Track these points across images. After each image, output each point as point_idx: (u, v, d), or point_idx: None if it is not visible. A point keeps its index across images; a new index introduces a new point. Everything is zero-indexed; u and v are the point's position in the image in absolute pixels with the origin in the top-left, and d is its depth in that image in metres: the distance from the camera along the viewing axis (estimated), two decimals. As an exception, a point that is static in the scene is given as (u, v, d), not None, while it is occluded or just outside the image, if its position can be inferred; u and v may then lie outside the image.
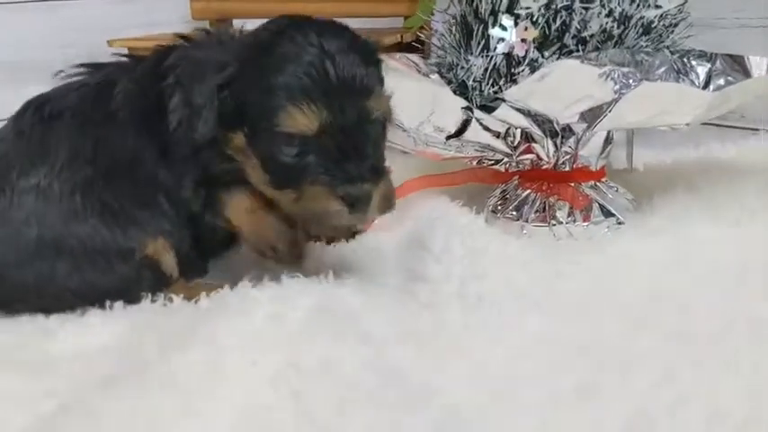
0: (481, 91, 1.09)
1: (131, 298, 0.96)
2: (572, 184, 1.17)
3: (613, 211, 1.15)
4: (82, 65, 1.07)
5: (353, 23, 1.76)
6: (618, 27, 1.06)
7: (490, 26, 1.08)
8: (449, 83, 1.13)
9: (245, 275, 0.95)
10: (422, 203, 1.15)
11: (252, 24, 2.11)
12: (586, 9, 1.07)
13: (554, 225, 1.14)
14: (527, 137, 1.12)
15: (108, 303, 0.94)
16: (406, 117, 1.12)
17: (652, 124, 1.09)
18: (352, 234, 1.15)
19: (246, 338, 0.74)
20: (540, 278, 0.95)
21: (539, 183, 1.18)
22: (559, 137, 1.11)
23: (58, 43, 2.08)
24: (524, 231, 1.15)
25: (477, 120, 1.11)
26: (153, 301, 0.96)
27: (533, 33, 1.05)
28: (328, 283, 0.92)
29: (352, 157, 0.89)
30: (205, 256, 1.07)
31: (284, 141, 0.90)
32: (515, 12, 1.10)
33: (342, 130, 0.89)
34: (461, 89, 1.12)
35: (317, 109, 0.87)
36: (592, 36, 1.05)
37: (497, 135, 1.13)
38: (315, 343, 0.75)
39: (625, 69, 0.99)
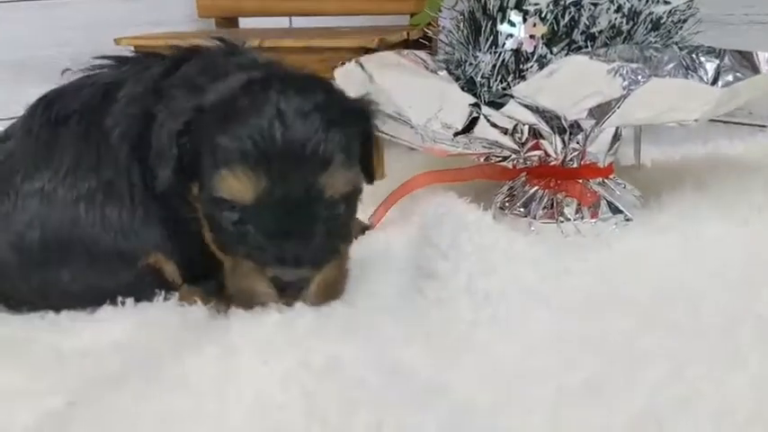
0: (489, 87, 1.08)
1: (139, 299, 0.95)
2: (580, 181, 1.16)
3: (621, 208, 1.15)
4: (106, 57, 1.05)
5: (359, 21, 1.76)
6: (627, 23, 1.05)
7: (498, 22, 1.08)
8: (457, 79, 1.12)
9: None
10: (429, 200, 1.15)
11: (257, 22, 2.13)
12: (595, 5, 1.06)
13: (562, 222, 1.14)
14: (535, 133, 1.11)
15: (120, 300, 0.94)
16: (414, 114, 1.12)
17: (661, 120, 1.09)
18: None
19: (258, 338, 0.74)
20: (547, 275, 0.95)
21: (546, 179, 1.18)
22: (567, 133, 1.11)
23: (59, 42, 2.08)
24: (532, 228, 1.15)
25: (485, 116, 1.10)
26: (166, 299, 0.96)
27: (542, 29, 1.04)
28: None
29: (293, 237, 0.80)
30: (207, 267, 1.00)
31: (225, 206, 0.82)
32: (524, 8, 1.09)
33: (283, 204, 0.80)
34: (469, 86, 1.12)
35: (254, 176, 0.79)
36: (601, 32, 1.05)
37: (505, 132, 1.12)
38: (324, 343, 0.74)
39: (634, 65, 0.99)
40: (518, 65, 1.09)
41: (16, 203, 0.96)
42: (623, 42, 1.05)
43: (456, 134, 1.14)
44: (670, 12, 1.10)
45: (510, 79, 1.08)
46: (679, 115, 1.07)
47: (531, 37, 1.06)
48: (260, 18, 2.11)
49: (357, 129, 0.88)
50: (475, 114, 1.10)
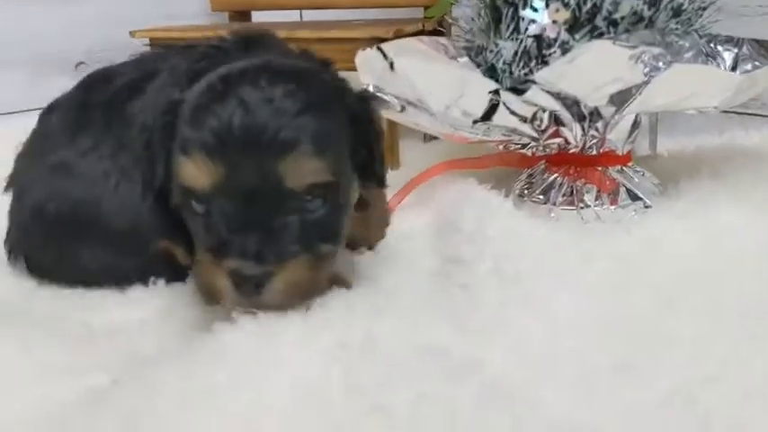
0: (511, 73, 1.09)
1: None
2: (599, 169, 1.17)
3: (640, 195, 1.15)
4: (169, 47, 1.04)
5: (372, 14, 1.77)
6: (649, 9, 1.06)
7: (521, 8, 1.08)
8: (477, 66, 1.13)
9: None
10: (450, 186, 1.16)
11: (267, 16, 2.13)
12: (618, -10, 1.07)
13: (582, 208, 1.14)
14: (555, 120, 1.12)
15: (152, 280, 0.95)
16: (434, 101, 1.12)
17: (681, 107, 1.09)
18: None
19: (291, 316, 0.74)
20: (570, 259, 0.96)
21: (566, 167, 1.18)
22: (587, 120, 1.12)
23: (73, 37, 2.10)
24: (552, 214, 1.15)
25: (504, 104, 1.11)
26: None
27: (565, 15, 1.05)
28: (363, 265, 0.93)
29: (255, 229, 0.74)
30: None
31: (191, 195, 0.78)
32: (546, -7, 1.10)
33: (244, 194, 0.74)
34: (490, 73, 1.12)
35: (210, 162, 0.74)
36: (623, 18, 1.05)
37: (524, 119, 1.13)
38: (358, 322, 0.75)
39: (656, 51, 0.99)
40: (540, 51, 1.09)
41: (41, 173, 0.98)
42: (644, 29, 1.05)
43: (475, 121, 1.14)
44: (692, -2, 1.10)
45: (532, 65, 1.08)
46: (699, 102, 1.07)
47: (554, 23, 1.06)
48: (269, 12, 2.12)
49: (346, 123, 0.82)
50: (494, 102, 1.11)
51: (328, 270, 0.81)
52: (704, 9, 1.11)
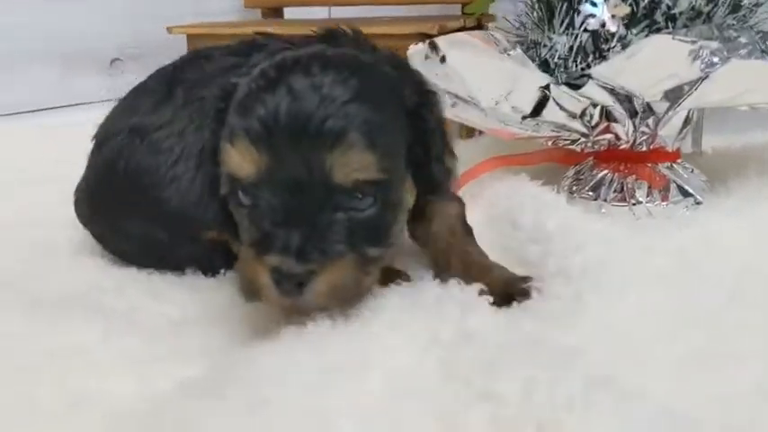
0: (566, 68, 1.08)
1: (205, 270, 0.97)
2: (649, 165, 1.17)
3: (691, 191, 1.15)
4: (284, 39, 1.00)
5: (409, 11, 1.76)
6: (707, 4, 1.06)
7: (581, 2, 1.08)
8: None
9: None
10: (500, 183, 1.16)
11: (302, 13, 2.14)
12: (678, -15, 1.07)
13: (634, 204, 1.14)
14: (607, 116, 1.12)
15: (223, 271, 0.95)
16: (484, 96, 1.12)
17: (735, 103, 1.09)
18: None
19: (382, 307, 0.74)
20: (629, 254, 0.96)
21: (615, 163, 1.18)
22: (638, 116, 1.12)
23: (107, 33, 2.11)
24: (603, 210, 1.15)
25: (554, 99, 1.11)
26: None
27: (624, 9, 1.05)
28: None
29: (300, 225, 0.70)
30: None
31: (237, 185, 0.75)
32: (604, -12, 1.09)
33: (289, 187, 0.71)
34: (543, 67, 1.12)
35: (255, 152, 0.71)
36: (681, 13, 1.05)
37: (574, 115, 1.13)
38: (447, 315, 0.75)
39: (714, 46, 0.99)
40: (597, 46, 1.09)
41: (122, 130, 0.99)
42: (702, 24, 1.05)
43: (524, 117, 1.14)
44: (751, -7, 1.10)
45: (590, 60, 1.08)
46: (753, 98, 1.07)
47: (613, 17, 1.06)
48: (300, 10, 2.12)
49: (401, 117, 0.78)
50: (544, 97, 1.11)
51: (375, 274, 0.78)
52: (759, 5, 1.10)
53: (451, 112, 1.17)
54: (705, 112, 1.29)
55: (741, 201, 1.14)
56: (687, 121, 1.15)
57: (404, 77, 0.86)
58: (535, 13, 1.14)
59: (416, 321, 0.73)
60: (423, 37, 1.35)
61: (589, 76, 1.05)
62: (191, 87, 1.00)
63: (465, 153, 1.42)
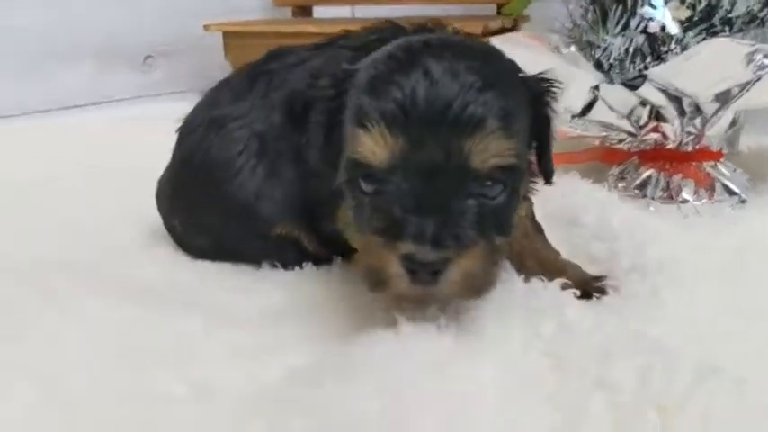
0: (622, 69, 1.11)
1: (282, 265, 0.98)
2: (693, 164, 1.20)
3: (736, 190, 1.18)
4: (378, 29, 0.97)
5: (445, 10, 1.77)
6: (762, 9, 1.09)
7: (636, 4, 1.11)
8: (582, 61, 1.15)
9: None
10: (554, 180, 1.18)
11: (330, 12, 2.16)
12: (736, -10, 1.09)
13: (681, 203, 1.17)
14: (656, 116, 1.14)
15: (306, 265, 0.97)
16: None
17: (782, 105, 1.12)
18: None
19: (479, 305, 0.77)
20: (685, 251, 0.98)
21: (660, 162, 1.21)
22: (686, 117, 1.14)
23: (139, 30, 2.13)
24: (651, 208, 1.18)
25: (603, 99, 1.13)
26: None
27: (685, 13, 1.08)
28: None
29: (433, 211, 0.68)
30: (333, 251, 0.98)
31: (362, 172, 0.72)
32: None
33: (423, 171, 0.69)
34: (596, 68, 1.15)
35: (389, 135, 0.69)
36: (738, 17, 1.08)
37: (622, 115, 1.16)
38: (545, 311, 0.77)
39: (767, 48, 1.02)
40: (653, 48, 1.11)
41: (201, 123, 1.01)
42: (756, 28, 1.08)
43: (573, 116, 1.17)
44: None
45: (647, 62, 1.11)
46: (802, 100, 1.10)
47: (673, 20, 1.09)
48: (335, 7, 2.14)
49: (526, 104, 0.76)
50: (593, 97, 1.13)
51: (500, 265, 0.76)
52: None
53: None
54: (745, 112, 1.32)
55: (785, 199, 1.17)
56: (734, 121, 1.18)
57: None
58: (590, 15, 1.16)
59: (513, 317, 0.75)
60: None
61: (645, 77, 1.07)
62: (270, 79, 1.00)
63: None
